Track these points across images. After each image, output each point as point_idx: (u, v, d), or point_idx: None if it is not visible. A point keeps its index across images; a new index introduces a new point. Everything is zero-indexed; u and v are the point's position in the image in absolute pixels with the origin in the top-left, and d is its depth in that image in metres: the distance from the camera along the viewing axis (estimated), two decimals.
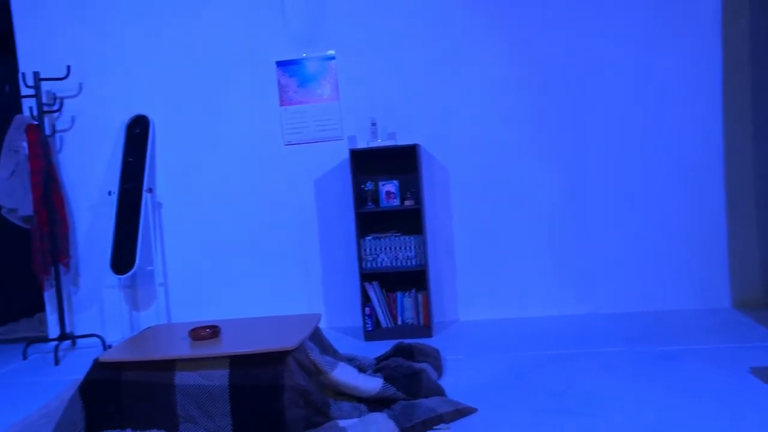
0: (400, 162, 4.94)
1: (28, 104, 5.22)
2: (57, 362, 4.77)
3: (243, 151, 5.20)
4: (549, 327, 4.65)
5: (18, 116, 5.13)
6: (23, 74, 5.18)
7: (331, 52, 5.06)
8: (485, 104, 4.94)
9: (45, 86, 5.19)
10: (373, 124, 4.91)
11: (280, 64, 5.13)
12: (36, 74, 5.05)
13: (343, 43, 5.05)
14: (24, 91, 5.21)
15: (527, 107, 4.91)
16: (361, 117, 5.05)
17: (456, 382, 3.62)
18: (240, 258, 5.23)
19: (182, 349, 3.14)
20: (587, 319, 4.79)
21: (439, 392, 3.34)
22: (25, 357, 5.00)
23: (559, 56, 4.85)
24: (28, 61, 5.26)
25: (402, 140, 5.01)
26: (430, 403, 3.14)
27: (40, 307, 5.96)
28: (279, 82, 5.14)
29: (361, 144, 5.05)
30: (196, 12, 5.18)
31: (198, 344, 3.20)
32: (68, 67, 5.17)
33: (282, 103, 5.15)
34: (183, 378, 3.02)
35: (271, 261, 5.20)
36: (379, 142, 4.84)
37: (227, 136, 5.21)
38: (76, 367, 4.62)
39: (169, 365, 3.06)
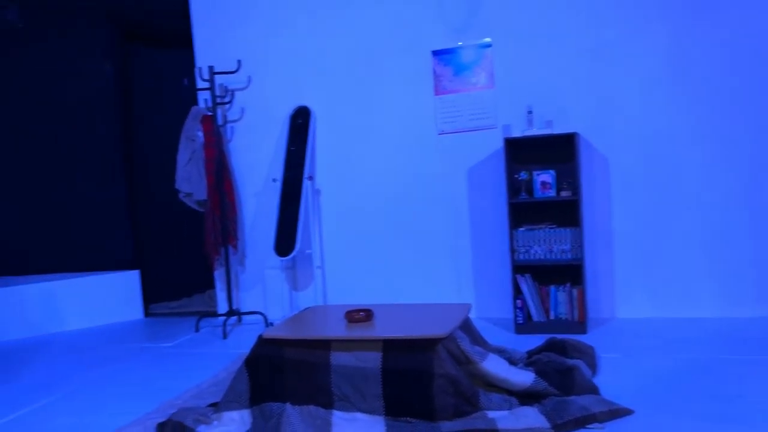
0: (556, 151, 4.80)
1: (203, 96, 5.65)
2: (225, 336, 5.15)
3: (397, 140, 5.29)
4: (718, 329, 4.32)
5: (195, 107, 5.57)
6: (200, 69, 5.61)
7: (488, 40, 5.01)
8: (646, 93, 4.66)
9: (218, 79, 5.58)
10: (530, 113, 4.80)
11: (436, 53, 5.15)
12: (211, 68, 5.44)
13: (499, 30, 4.98)
14: (200, 84, 5.63)
15: (691, 97, 4.57)
16: (516, 105, 4.96)
17: (611, 381, 3.47)
18: (392, 245, 5.34)
19: (338, 330, 3.27)
20: (763, 322, 4.39)
21: (593, 390, 3.21)
22: (197, 329, 5.45)
23: (724, 45, 4.46)
24: (204, 57, 5.69)
25: (559, 129, 4.86)
26: (583, 401, 3.04)
27: (211, 285, 6.45)
28: (434, 71, 5.17)
29: (516, 133, 4.96)
30: (355, 4, 5.33)
31: (353, 326, 3.31)
32: (239, 62, 5.53)
33: (437, 93, 5.17)
34: (338, 358, 3.14)
35: (423, 249, 5.26)
36: (535, 131, 4.72)
37: (382, 126, 5.33)
38: (241, 341, 4.96)
39: (325, 345, 3.19)
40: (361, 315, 3.41)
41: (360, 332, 3.18)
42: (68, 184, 6.23)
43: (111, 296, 6.02)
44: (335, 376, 3.14)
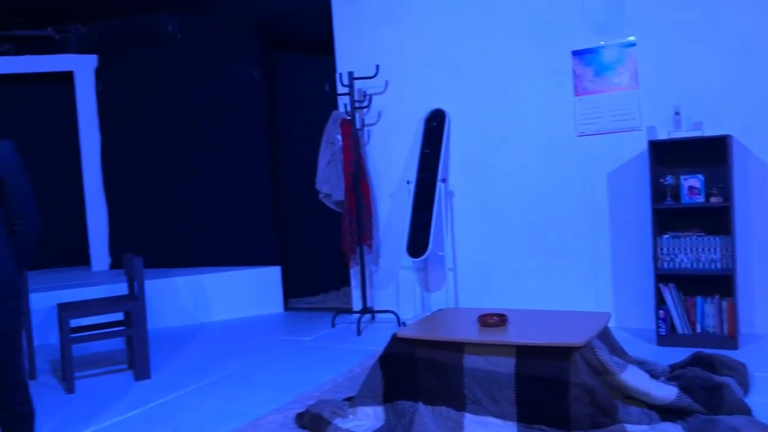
0: (705, 154, 4.51)
1: (343, 101, 5.84)
2: (359, 333, 5.30)
3: (534, 142, 5.20)
4: None
5: (335, 112, 5.78)
6: (340, 74, 5.81)
7: (632, 39, 4.81)
8: None
9: (357, 84, 5.75)
10: (677, 114, 4.56)
11: (576, 53, 5.01)
12: (350, 74, 5.62)
13: (644, 28, 4.76)
14: (340, 89, 5.83)
15: None
16: (662, 106, 4.73)
17: (766, 402, 3.23)
18: (527, 249, 5.26)
19: (471, 333, 3.28)
20: None
21: (745, 411, 3.00)
22: (333, 325, 5.65)
23: None
24: (344, 63, 5.88)
25: (709, 131, 4.57)
26: (733, 421, 2.85)
27: (346, 282, 6.66)
28: (574, 71, 5.03)
29: (662, 135, 4.72)
30: (492, 6, 5.30)
31: (486, 330, 3.31)
32: (377, 67, 5.67)
33: (576, 93, 5.03)
34: (471, 361, 3.15)
35: (559, 254, 5.14)
36: (684, 133, 4.47)
37: (518, 128, 5.26)
38: (375, 339, 5.08)
39: (458, 347, 3.21)
40: (494, 319, 3.39)
41: (493, 336, 3.17)
42: (219, 183, 6.67)
43: (255, 290, 6.38)
44: (467, 378, 3.15)
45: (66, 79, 7.01)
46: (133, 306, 4.47)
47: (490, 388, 3.09)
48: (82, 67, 6.98)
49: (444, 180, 5.42)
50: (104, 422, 3.68)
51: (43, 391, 4.27)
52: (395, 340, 3.40)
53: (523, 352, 3.05)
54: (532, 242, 5.25)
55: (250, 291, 6.37)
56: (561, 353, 2.96)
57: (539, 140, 5.19)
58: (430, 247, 5.21)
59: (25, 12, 6.68)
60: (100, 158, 7.03)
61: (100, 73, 7.01)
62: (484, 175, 5.42)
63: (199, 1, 6.53)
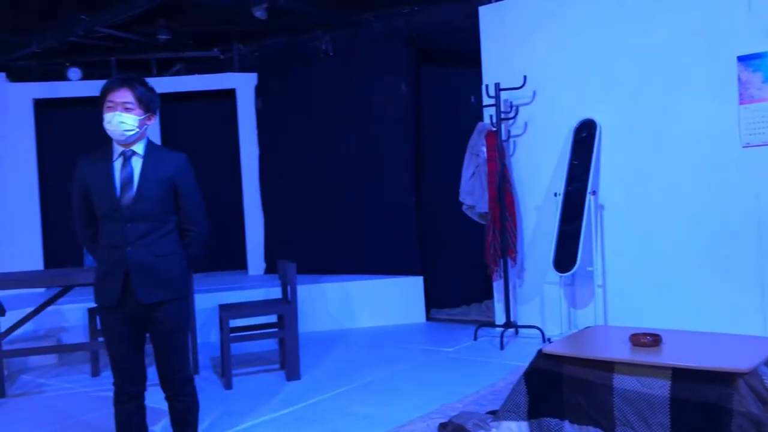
0: None
1: (488, 113, 5.83)
2: (502, 347, 5.24)
3: (694, 154, 4.91)
4: None
5: (480, 123, 5.78)
6: (486, 86, 5.80)
7: None
8: None
9: (503, 95, 5.72)
10: None
11: (743, 58, 4.68)
12: (497, 85, 5.60)
13: None
14: (486, 101, 5.82)
15: None
16: None
17: None
18: (685, 267, 4.95)
19: (622, 352, 3.14)
20: None
21: None
22: (475, 338, 5.63)
23: None
24: (491, 74, 5.87)
25: None
26: None
27: (489, 295, 6.60)
28: (739, 78, 4.70)
29: None
30: (649, 12, 5.08)
31: (638, 350, 3.16)
32: (524, 77, 5.60)
33: (742, 101, 4.69)
34: (622, 381, 3.02)
35: (722, 273, 4.80)
36: None
37: (677, 139, 4.98)
38: (518, 354, 5.00)
39: (608, 366, 3.09)
40: (647, 339, 3.23)
41: (647, 357, 3.02)
42: (366, 193, 6.87)
43: (398, 299, 6.50)
44: (618, 399, 3.03)
45: (229, 96, 7.55)
46: (286, 309, 4.72)
47: (643, 410, 2.94)
48: (244, 85, 7.49)
49: (594, 192, 5.25)
50: (258, 418, 3.91)
51: (205, 386, 4.61)
52: (541, 355, 3.34)
53: (680, 375, 2.88)
54: (690, 259, 4.94)
55: (393, 300, 6.50)
56: (723, 379, 2.77)
57: (700, 152, 4.88)
58: (578, 262, 5.06)
59: (194, 35, 7.28)
60: (258, 170, 7.48)
61: (259, 90, 7.48)
62: (638, 187, 5.18)
63: (351, 20, 6.79)
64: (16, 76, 7.34)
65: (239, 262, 7.64)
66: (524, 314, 5.76)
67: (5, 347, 4.80)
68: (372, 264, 6.80)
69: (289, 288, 4.77)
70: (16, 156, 7.07)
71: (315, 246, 7.12)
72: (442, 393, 4.16)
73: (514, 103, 5.75)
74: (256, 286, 6.59)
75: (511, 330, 5.63)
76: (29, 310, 4.90)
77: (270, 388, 4.51)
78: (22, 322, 4.67)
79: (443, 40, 6.68)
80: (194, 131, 7.72)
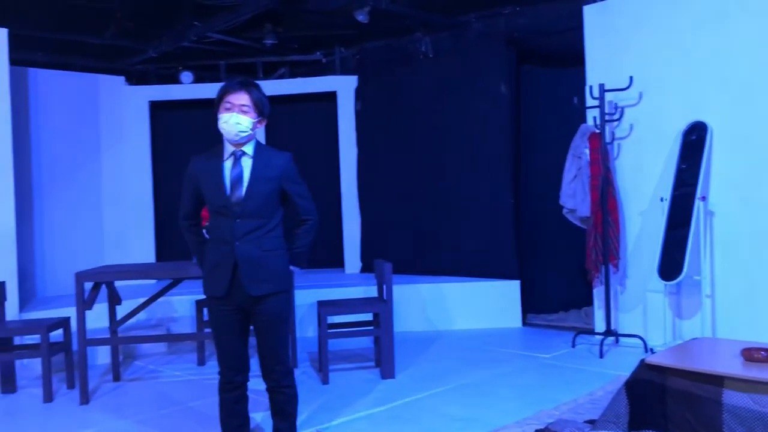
0: None
1: (592, 114, 5.68)
2: (601, 355, 5.09)
3: None
4: None
5: (583, 125, 5.64)
6: (590, 87, 5.65)
7: None
8: None
9: (608, 97, 5.55)
10: None
11: None
12: (601, 86, 5.45)
13: None
14: (589, 102, 5.68)
15: None
16: None
17: None
18: None
19: (732, 367, 3.00)
20: None
21: None
22: (573, 345, 5.49)
23: None
24: (595, 74, 5.72)
25: None
26: None
27: (588, 302, 6.43)
28: None
29: None
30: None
31: (751, 365, 3.00)
32: (630, 78, 5.42)
33: None
34: (732, 398, 2.88)
35: None
36: None
37: None
38: (618, 363, 4.85)
39: (716, 381, 2.95)
40: (762, 354, 3.06)
41: (761, 373, 2.86)
42: (464, 194, 6.85)
43: (493, 303, 6.44)
44: (727, 416, 2.89)
45: (330, 98, 7.73)
46: (382, 308, 4.78)
47: (755, 429, 2.79)
48: (344, 87, 7.64)
49: (703, 198, 5.01)
50: (354, 414, 3.98)
51: (303, 380, 4.74)
52: (644, 366, 3.23)
53: None
54: None
55: (489, 303, 6.44)
56: None
57: None
58: (685, 270, 4.84)
59: (299, 39, 7.50)
60: (356, 171, 7.61)
61: (359, 92, 7.61)
62: (753, 194, 4.90)
63: (451, 22, 6.79)
64: (133, 79, 7.80)
65: (337, 261, 7.80)
66: (625, 322, 5.57)
67: (120, 334, 5.13)
68: (468, 266, 6.77)
69: (385, 287, 4.84)
70: (132, 154, 7.52)
71: (411, 246, 7.17)
72: (538, 399, 4.10)
73: (619, 104, 5.57)
74: (352, 284, 6.71)
75: (612, 338, 5.46)
76: (142, 300, 5.20)
77: (365, 385, 4.59)
78: (136, 311, 4.96)
79: (545, 40, 6.56)
80: (296, 132, 7.95)
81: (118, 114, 7.47)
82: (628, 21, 5.55)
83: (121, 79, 7.57)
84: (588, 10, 5.81)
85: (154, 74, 8.03)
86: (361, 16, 6.17)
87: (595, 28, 5.77)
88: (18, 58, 6.09)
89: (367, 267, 7.45)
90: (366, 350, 5.56)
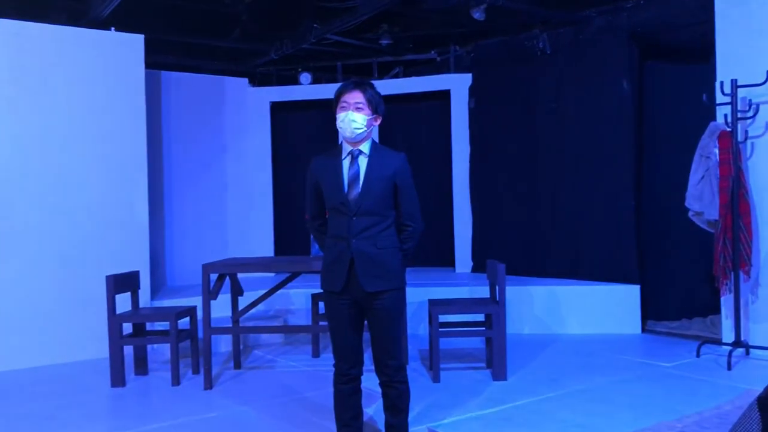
0: None
1: (722, 112, 5.35)
2: (729, 367, 4.79)
3: None
4: None
5: (713, 123, 5.32)
6: (721, 83, 5.33)
7: None
8: None
9: (741, 93, 5.21)
10: None
11: None
12: (734, 82, 5.12)
13: None
14: (719, 98, 5.35)
15: None
16: None
17: None
18: None
19: None
20: None
21: None
22: (698, 355, 5.20)
23: None
24: (726, 70, 5.38)
25: None
26: None
27: (715, 310, 6.07)
28: None
29: None
30: None
31: None
32: (767, 73, 5.06)
33: None
34: None
35: None
36: None
37: None
38: (749, 376, 4.55)
39: None
40: None
41: None
42: (581, 195, 6.64)
43: (611, 307, 6.20)
44: None
45: (444, 96, 7.73)
46: (494, 309, 4.74)
47: None
48: (458, 86, 7.62)
49: None
50: (465, 414, 3.97)
51: (414, 377, 4.77)
52: None
53: None
54: None
55: (606, 307, 6.22)
56: None
57: None
58: None
59: (414, 38, 7.55)
60: (468, 169, 7.57)
61: (473, 90, 7.56)
62: None
63: (571, 17, 6.61)
64: (256, 81, 8.15)
65: (447, 259, 7.80)
66: (757, 334, 5.21)
67: (241, 324, 5.38)
68: (585, 269, 6.56)
69: (498, 288, 4.78)
70: (254, 153, 7.86)
71: (523, 247, 7.04)
72: (659, 409, 3.92)
73: (754, 101, 5.21)
74: (462, 283, 6.69)
75: (741, 349, 5.12)
76: (262, 292, 5.43)
77: (476, 386, 4.57)
78: (257, 302, 5.19)
79: (670, 34, 6.24)
80: (409, 131, 8.02)
81: (242, 114, 7.83)
82: (764, 13, 5.18)
83: (245, 80, 7.93)
84: (720, 2, 5.47)
85: (275, 75, 8.35)
86: (478, 14, 6.13)
87: (728, 20, 5.42)
88: (151, 62, 6.51)
89: (478, 267, 7.39)
90: (476, 350, 5.53)
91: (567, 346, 5.74)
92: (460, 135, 7.63)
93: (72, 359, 5.57)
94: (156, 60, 6.94)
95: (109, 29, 5.97)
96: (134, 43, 6.06)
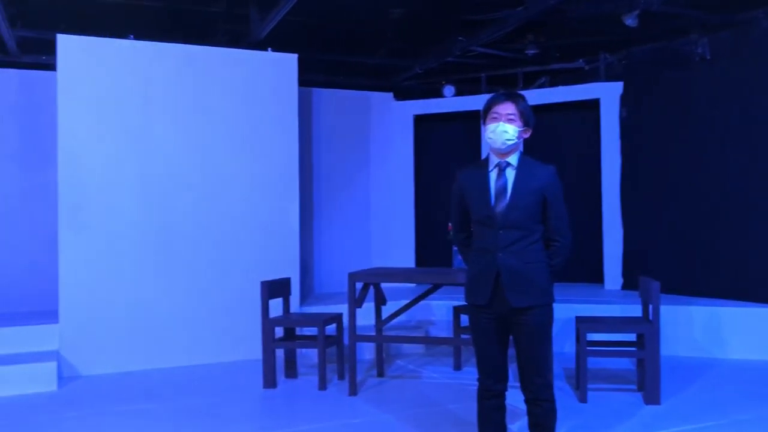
0: None
1: None
2: None
3: None
4: None
5: None
6: None
7: None
8: None
9: None
10: None
11: None
12: None
13: None
14: None
15: None
16: None
17: None
18: None
19: None
20: None
21: None
22: None
23: None
24: None
25: None
26: None
27: None
28: None
29: None
30: None
31: None
32: None
33: None
34: None
35: None
36: None
37: None
38: None
39: None
40: None
41: None
42: (750, 208, 6.12)
43: None
44: None
45: (592, 106, 7.46)
46: (647, 329, 4.49)
47: None
48: (608, 94, 7.32)
49: None
50: None
51: (559, 396, 4.54)
52: None
53: None
54: None
55: None
56: None
57: None
58: None
59: (561, 47, 7.37)
60: (619, 181, 7.24)
61: (624, 99, 7.24)
62: None
63: (733, 19, 6.16)
64: (400, 95, 8.31)
65: (595, 275, 7.49)
66: None
67: (384, 333, 5.48)
68: (753, 289, 6.02)
69: (651, 307, 4.53)
70: (397, 165, 8.01)
71: (680, 264, 6.61)
72: None
73: None
74: (612, 301, 6.40)
75: None
76: (403, 302, 5.50)
77: (627, 409, 4.34)
78: (400, 312, 5.27)
79: None
80: (556, 142, 7.82)
81: (386, 128, 8.01)
82: None
83: (390, 95, 8.11)
84: None
85: (419, 89, 8.46)
86: (630, 20, 5.88)
87: None
88: (303, 79, 6.83)
89: (629, 284, 7.03)
90: (626, 372, 5.26)
91: (729, 371, 5.32)
92: (610, 146, 7.32)
93: (225, 359, 5.93)
94: (307, 78, 7.27)
95: (266, 50, 6.35)
96: (289, 63, 6.40)
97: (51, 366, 5.12)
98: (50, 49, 5.98)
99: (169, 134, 5.93)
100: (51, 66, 6.19)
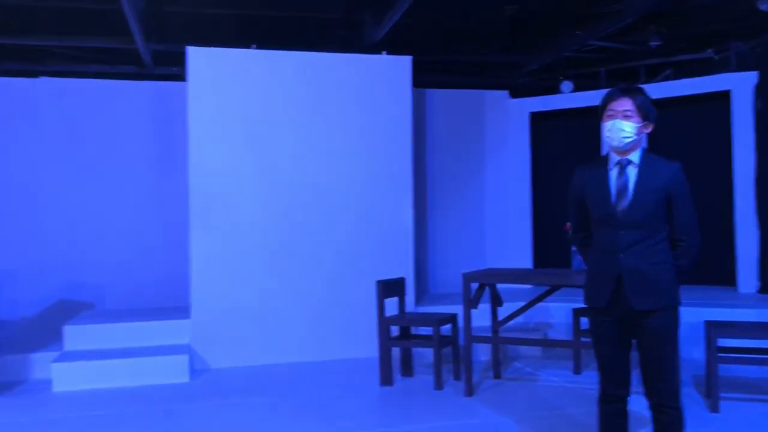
0: None
1: None
2: None
3: None
4: None
5: None
6: None
7: None
8: None
9: None
10: None
11: None
12: None
13: None
14: None
15: None
16: None
17: None
18: None
19: None
20: None
21: None
22: None
23: None
24: None
25: None
26: None
27: None
28: None
29: None
30: None
31: None
32: None
33: None
34: None
35: None
36: None
37: None
38: None
39: None
40: None
41: None
42: None
43: None
44: None
45: (722, 98, 7.01)
46: None
47: None
48: (741, 85, 6.85)
49: None
50: None
51: (688, 404, 4.32)
52: None
53: None
54: None
55: None
56: None
57: None
58: None
59: (687, 37, 6.98)
60: (754, 177, 6.77)
61: (760, 90, 6.75)
62: None
63: None
64: (516, 92, 8.18)
65: (727, 278, 7.03)
66: None
67: (500, 335, 5.42)
68: None
69: None
70: (513, 164, 7.89)
71: None
72: None
73: None
74: (747, 305, 5.98)
75: None
76: (520, 303, 5.41)
77: (763, 421, 4.06)
78: (517, 313, 5.19)
79: None
80: (681, 137, 7.41)
81: (502, 126, 7.91)
82: None
83: (505, 93, 8.00)
84: None
85: (535, 86, 8.30)
86: (764, 5, 5.49)
87: None
88: (417, 81, 6.88)
89: (766, 287, 6.56)
90: (763, 381, 4.91)
91: None
92: (743, 139, 6.85)
93: (344, 356, 6.08)
94: (422, 79, 7.31)
95: (381, 53, 6.45)
96: (403, 65, 6.47)
97: (183, 359, 5.47)
98: (178, 60, 6.38)
99: (289, 139, 6.17)
100: (180, 77, 6.60)
